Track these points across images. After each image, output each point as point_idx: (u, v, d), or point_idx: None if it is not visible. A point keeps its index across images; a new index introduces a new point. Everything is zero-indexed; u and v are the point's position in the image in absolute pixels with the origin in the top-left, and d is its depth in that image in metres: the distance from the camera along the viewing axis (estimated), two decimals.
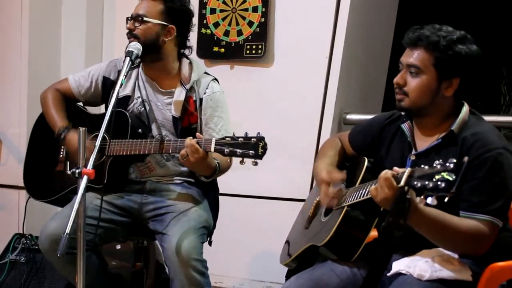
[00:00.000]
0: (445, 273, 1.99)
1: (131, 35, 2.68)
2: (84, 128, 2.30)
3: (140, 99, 2.79)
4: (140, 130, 2.70)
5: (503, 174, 2.02)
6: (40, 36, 4.06)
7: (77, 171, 2.18)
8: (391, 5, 4.24)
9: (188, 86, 2.74)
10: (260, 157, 2.31)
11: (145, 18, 2.69)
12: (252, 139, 2.31)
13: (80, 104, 2.97)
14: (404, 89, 2.13)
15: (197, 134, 2.50)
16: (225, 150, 2.34)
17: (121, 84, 2.43)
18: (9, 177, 3.99)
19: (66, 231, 2.06)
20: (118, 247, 3.43)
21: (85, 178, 2.16)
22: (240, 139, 2.33)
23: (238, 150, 2.32)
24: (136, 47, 2.57)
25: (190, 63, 2.81)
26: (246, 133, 2.36)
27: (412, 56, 2.11)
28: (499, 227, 2.03)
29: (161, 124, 2.78)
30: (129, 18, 2.72)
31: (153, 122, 2.79)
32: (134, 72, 2.82)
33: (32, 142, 3.03)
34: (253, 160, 2.31)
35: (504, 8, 5.15)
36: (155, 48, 2.72)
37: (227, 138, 2.36)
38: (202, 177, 2.64)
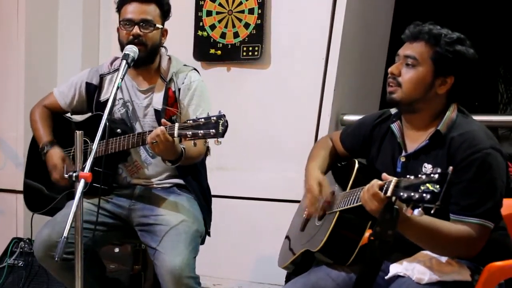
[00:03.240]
0: (444, 274, 1.99)
1: (139, 41, 2.65)
2: (81, 132, 2.30)
3: (122, 101, 2.79)
4: (118, 130, 2.69)
5: (491, 175, 1.99)
6: (36, 39, 4.06)
7: (74, 174, 2.18)
8: (387, 7, 4.25)
9: (167, 79, 2.75)
10: (222, 135, 2.27)
11: (153, 24, 2.68)
12: (212, 118, 2.28)
13: (67, 114, 2.99)
14: (398, 80, 2.10)
15: (163, 120, 2.47)
16: (188, 133, 2.31)
17: (118, 87, 2.42)
18: (7, 181, 3.98)
19: (64, 235, 2.05)
20: (116, 250, 3.43)
21: (82, 182, 2.16)
22: (201, 119, 2.30)
23: (199, 132, 2.28)
24: (132, 50, 2.56)
25: (170, 58, 2.82)
26: (208, 113, 2.33)
27: (411, 48, 2.10)
28: (490, 229, 2.01)
29: (145, 122, 2.77)
30: (133, 23, 2.67)
31: (137, 121, 2.78)
32: (116, 75, 2.83)
33: (29, 158, 3.06)
34: (215, 139, 2.28)
35: (501, 7, 5.16)
36: (156, 52, 2.75)
37: (189, 121, 2.33)
38: (167, 161, 2.59)
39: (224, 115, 2.28)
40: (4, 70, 4.06)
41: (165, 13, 2.75)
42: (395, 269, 2.06)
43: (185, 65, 2.85)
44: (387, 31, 4.26)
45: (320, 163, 2.41)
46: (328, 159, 2.44)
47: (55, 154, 2.79)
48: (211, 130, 2.27)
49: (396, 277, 2.05)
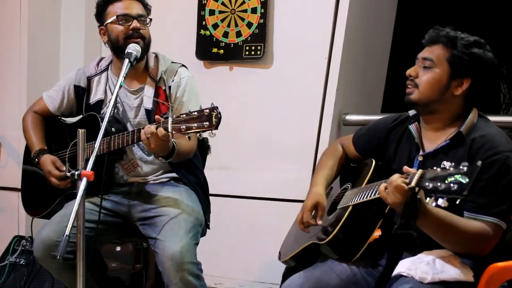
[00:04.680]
0: (447, 274, 1.99)
1: (139, 34, 2.68)
2: (83, 130, 2.30)
3: (111, 102, 2.78)
4: (113, 129, 2.68)
5: (510, 177, 2.03)
6: (39, 39, 4.06)
7: (76, 173, 2.18)
8: (390, 6, 4.24)
9: (157, 78, 2.75)
10: (215, 126, 2.26)
11: (147, 19, 2.73)
12: (205, 111, 2.27)
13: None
14: (416, 81, 2.17)
15: (156, 117, 2.46)
16: (181, 127, 2.30)
17: (120, 86, 2.41)
18: (9, 180, 3.99)
19: (66, 233, 2.04)
20: (118, 249, 3.44)
21: (84, 180, 2.15)
22: (194, 113, 2.29)
23: (193, 125, 2.28)
24: (135, 48, 2.57)
25: (156, 56, 2.82)
26: (200, 106, 2.32)
27: (429, 51, 2.17)
28: (503, 229, 2.04)
29: (136, 123, 2.77)
30: (131, 18, 2.69)
31: (128, 121, 2.79)
32: (103, 76, 2.84)
33: (25, 163, 3.08)
34: (210, 132, 2.27)
35: (504, 7, 5.15)
36: (148, 48, 2.76)
37: (182, 115, 2.32)
38: (160, 157, 2.59)
39: (216, 107, 2.27)
40: (6, 70, 4.07)
41: (149, 10, 2.79)
42: (398, 268, 2.07)
43: (173, 62, 2.84)
44: (390, 31, 4.26)
45: (326, 174, 2.44)
46: (336, 168, 2.47)
47: (46, 161, 2.80)
48: (204, 123, 2.26)
49: (399, 276, 2.06)
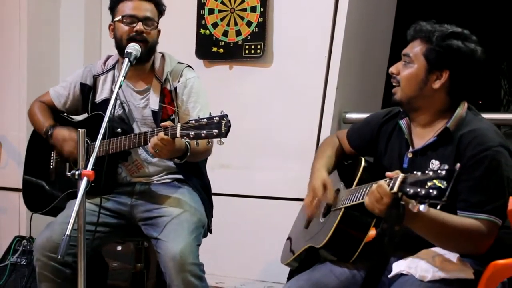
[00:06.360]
0: (447, 272, 1.99)
1: (142, 38, 2.67)
2: (83, 130, 2.29)
3: (118, 101, 2.78)
4: (119, 129, 2.68)
5: (500, 172, 2.01)
6: (39, 38, 4.06)
7: (76, 172, 2.17)
8: (389, 4, 4.24)
9: (162, 79, 2.75)
10: (224, 135, 2.27)
11: (154, 22, 2.72)
12: (215, 118, 2.28)
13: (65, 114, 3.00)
14: (397, 78, 2.18)
15: (162, 124, 2.47)
16: (190, 133, 2.32)
17: (120, 86, 2.41)
18: (9, 180, 3.99)
19: (67, 233, 2.02)
20: (119, 248, 3.44)
21: (85, 180, 2.15)
22: (203, 120, 2.30)
23: (202, 132, 2.29)
24: (135, 48, 2.56)
25: (163, 56, 2.82)
26: (210, 113, 2.33)
27: (409, 47, 2.18)
28: (498, 225, 2.02)
29: (142, 123, 2.77)
30: (136, 19, 2.68)
31: (134, 122, 2.79)
32: (110, 75, 2.83)
33: (27, 158, 3.07)
34: (218, 139, 2.28)
35: (504, 4, 5.15)
36: (154, 51, 2.76)
37: (191, 121, 2.33)
38: (175, 159, 2.59)
39: (226, 115, 2.28)
40: (7, 69, 4.06)
41: (161, 13, 2.78)
42: (398, 267, 2.06)
43: (179, 62, 2.84)
44: (390, 28, 4.26)
45: (326, 162, 2.43)
46: (334, 158, 2.46)
47: (61, 130, 2.79)
48: (213, 130, 2.27)
49: (399, 275, 2.06)
